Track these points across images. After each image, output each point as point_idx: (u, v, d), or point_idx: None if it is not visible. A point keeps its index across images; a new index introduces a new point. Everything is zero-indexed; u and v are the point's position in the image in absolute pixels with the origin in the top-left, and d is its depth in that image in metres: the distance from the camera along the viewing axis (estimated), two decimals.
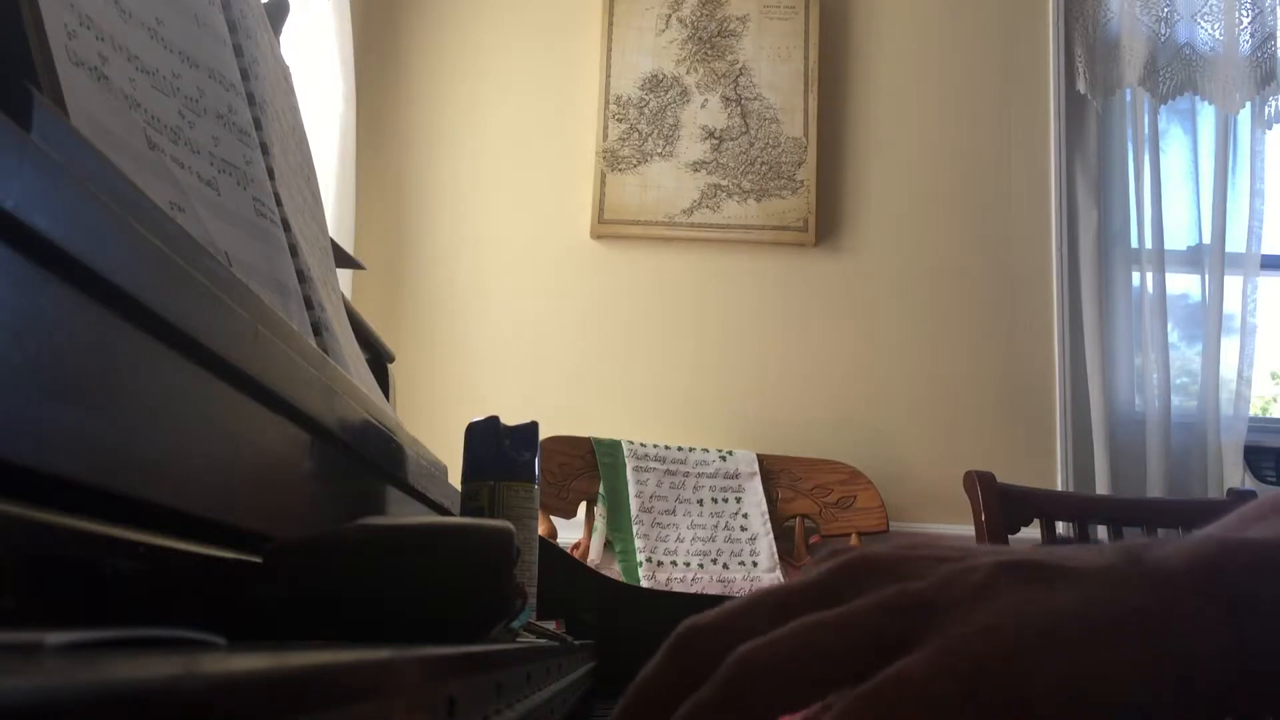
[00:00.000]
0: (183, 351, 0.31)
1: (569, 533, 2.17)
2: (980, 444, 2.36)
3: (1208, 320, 2.49)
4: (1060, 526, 2.00)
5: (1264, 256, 2.52)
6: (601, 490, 2.17)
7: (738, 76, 2.50)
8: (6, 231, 0.22)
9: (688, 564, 2.11)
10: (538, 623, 0.83)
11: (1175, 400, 2.46)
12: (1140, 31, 2.55)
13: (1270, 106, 2.58)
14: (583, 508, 2.19)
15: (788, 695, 0.29)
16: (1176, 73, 2.57)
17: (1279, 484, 2.47)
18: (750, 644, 0.30)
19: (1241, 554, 0.30)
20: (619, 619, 1.13)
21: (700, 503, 2.20)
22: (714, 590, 2.05)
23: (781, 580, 2.12)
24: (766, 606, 0.32)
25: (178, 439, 0.32)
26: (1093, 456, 2.39)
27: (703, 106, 2.49)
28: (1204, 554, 0.30)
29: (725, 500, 2.22)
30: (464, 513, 0.78)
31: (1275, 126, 2.59)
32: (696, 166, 2.46)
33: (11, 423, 0.23)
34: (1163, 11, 2.59)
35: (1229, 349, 2.48)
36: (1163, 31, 2.58)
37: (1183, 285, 2.58)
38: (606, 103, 2.47)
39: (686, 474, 2.23)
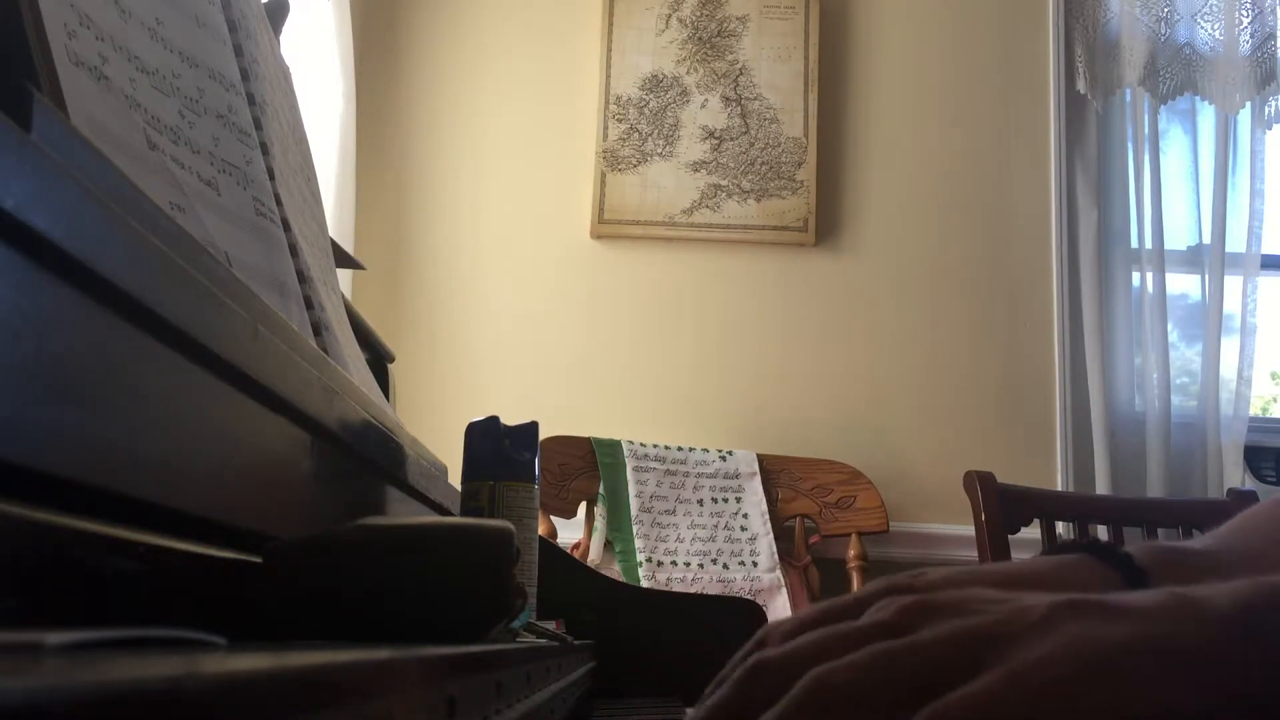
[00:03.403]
0: (183, 351, 0.31)
1: (569, 533, 2.17)
2: (980, 444, 2.36)
3: (1208, 320, 2.49)
4: (1060, 526, 2.00)
5: (1264, 256, 2.52)
6: (601, 490, 2.17)
7: (738, 76, 2.50)
8: (6, 231, 0.22)
9: (688, 564, 2.11)
10: (538, 623, 0.83)
11: (1175, 400, 2.46)
12: (1140, 31, 2.55)
13: (1270, 106, 2.57)
14: (583, 508, 2.19)
15: (858, 716, 0.31)
16: (1176, 73, 2.57)
17: (1279, 484, 2.47)
18: (825, 666, 0.32)
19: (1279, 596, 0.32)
20: (619, 619, 1.13)
21: (700, 503, 2.20)
22: (714, 590, 2.05)
23: (781, 580, 2.12)
24: (836, 640, 0.34)
25: (177, 439, 0.32)
26: (1093, 456, 2.39)
27: (703, 106, 2.49)
28: (1246, 596, 0.32)
29: (725, 500, 2.22)
30: (464, 513, 0.78)
31: (1275, 126, 2.58)
32: (696, 166, 2.46)
33: (11, 423, 0.23)
34: (1163, 11, 2.58)
35: (1229, 349, 2.48)
36: (1163, 31, 2.58)
37: (1183, 285, 2.58)
38: (606, 103, 2.47)
39: (686, 474, 2.23)
